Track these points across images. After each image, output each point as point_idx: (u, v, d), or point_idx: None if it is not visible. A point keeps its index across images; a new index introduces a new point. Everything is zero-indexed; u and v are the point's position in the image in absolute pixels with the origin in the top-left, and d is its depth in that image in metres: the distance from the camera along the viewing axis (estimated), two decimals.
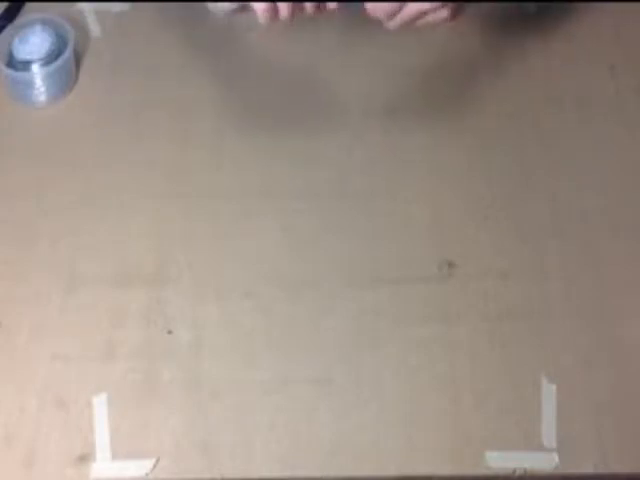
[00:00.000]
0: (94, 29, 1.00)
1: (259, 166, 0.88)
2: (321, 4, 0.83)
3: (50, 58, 0.92)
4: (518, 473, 0.74)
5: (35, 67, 0.92)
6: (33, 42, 0.93)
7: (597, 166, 0.91)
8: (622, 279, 0.84)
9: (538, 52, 0.98)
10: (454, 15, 0.84)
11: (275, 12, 0.83)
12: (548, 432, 0.76)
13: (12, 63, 0.93)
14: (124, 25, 1.00)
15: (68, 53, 0.93)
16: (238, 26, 1.00)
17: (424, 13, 0.82)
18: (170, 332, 0.80)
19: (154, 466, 0.74)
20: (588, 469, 0.74)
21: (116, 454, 0.75)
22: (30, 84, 0.93)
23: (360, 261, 0.85)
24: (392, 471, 0.74)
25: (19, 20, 0.96)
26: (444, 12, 0.83)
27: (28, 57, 0.93)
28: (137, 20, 1.00)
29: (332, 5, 0.84)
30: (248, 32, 0.97)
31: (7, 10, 0.98)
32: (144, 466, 0.74)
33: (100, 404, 0.77)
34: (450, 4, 0.83)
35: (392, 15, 0.83)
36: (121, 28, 1.00)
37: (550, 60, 0.97)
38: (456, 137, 0.92)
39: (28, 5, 1.00)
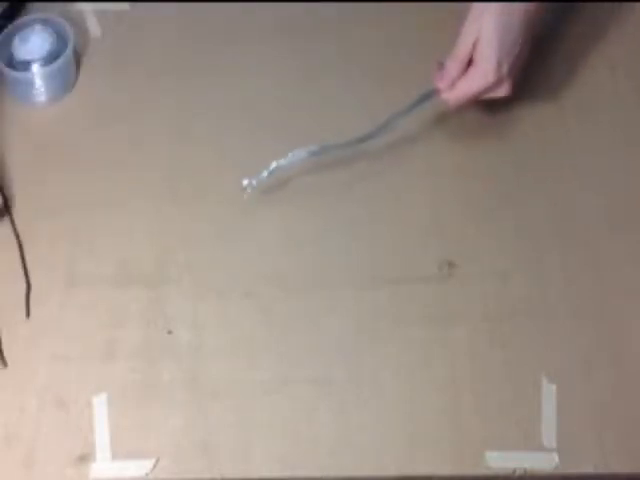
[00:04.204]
0: (94, 29, 1.00)
1: (259, 166, 0.88)
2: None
3: (50, 58, 0.92)
4: (518, 473, 0.74)
5: (35, 67, 0.92)
6: (33, 42, 0.93)
7: (597, 166, 0.91)
8: (622, 279, 0.84)
9: (538, 52, 0.98)
10: (513, 89, 0.86)
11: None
12: (548, 432, 0.76)
13: (12, 63, 0.93)
14: (124, 25, 1.00)
15: (68, 53, 0.93)
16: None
17: (481, 92, 0.85)
18: (170, 332, 0.80)
19: (154, 466, 0.74)
20: (588, 469, 0.74)
21: (116, 454, 0.75)
22: (30, 84, 0.93)
23: (360, 261, 0.85)
24: (392, 471, 0.74)
25: (19, 20, 0.96)
26: (503, 90, 0.85)
27: (28, 57, 0.93)
28: (137, 20, 1.00)
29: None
30: None
31: (7, 10, 0.98)
32: (144, 466, 0.74)
33: (100, 404, 0.77)
34: (509, 79, 0.84)
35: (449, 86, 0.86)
36: (121, 28, 1.00)
37: (550, 60, 0.97)
38: (456, 137, 0.92)
39: (28, 5, 1.00)
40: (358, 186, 0.89)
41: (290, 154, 0.86)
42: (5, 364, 0.78)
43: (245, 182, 0.86)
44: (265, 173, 0.86)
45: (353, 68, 0.97)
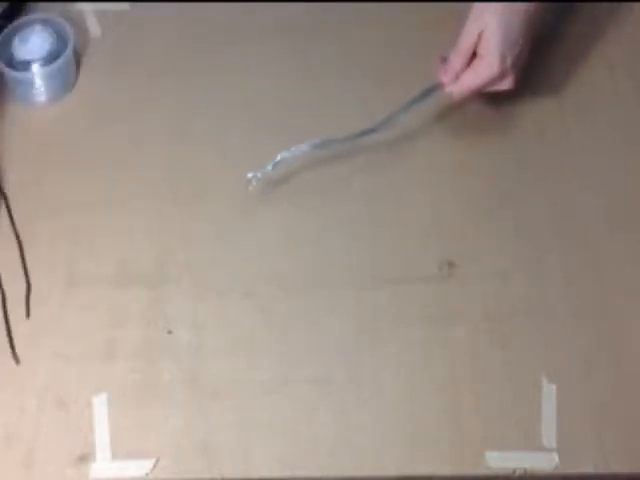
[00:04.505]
0: (94, 29, 1.00)
1: (259, 166, 0.88)
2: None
3: (50, 58, 0.92)
4: (518, 473, 0.74)
5: (35, 67, 0.92)
6: (33, 42, 0.93)
7: (597, 166, 0.91)
8: (622, 279, 0.84)
9: (538, 52, 0.98)
10: (517, 82, 0.86)
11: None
12: (548, 432, 0.76)
13: (12, 63, 0.93)
14: (124, 25, 1.00)
15: (68, 53, 0.93)
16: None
17: (485, 85, 0.86)
18: (170, 332, 0.80)
19: (154, 466, 0.74)
20: (588, 469, 0.74)
21: (116, 454, 0.75)
22: (30, 84, 0.93)
23: (360, 261, 0.85)
24: (392, 471, 0.74)
25: (19, 20, 0.96)
26: (507, 82, 0.86)
27: (28, 57, 0.93)
28: (137, 20, 1.00)
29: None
30: None
31: (7, 10, 0.98)
32: (144, 466, 0.74)
33: (100, 404, 0.77)
34: (513, 72, 0.85)
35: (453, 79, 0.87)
36: (121, 28, 1.00)
37: (550, 60, 0.97)
38: (457, 134, 0.93)
39: (28, 5, 1.00)
40: (358, 185, 0.89)
41: (293, 148, 0.86)
42: (17, 360, 0.78)
43: (250, 175, 0.86)
44: (270, 166, 0.86)
45: (353, 68, 0.97)
